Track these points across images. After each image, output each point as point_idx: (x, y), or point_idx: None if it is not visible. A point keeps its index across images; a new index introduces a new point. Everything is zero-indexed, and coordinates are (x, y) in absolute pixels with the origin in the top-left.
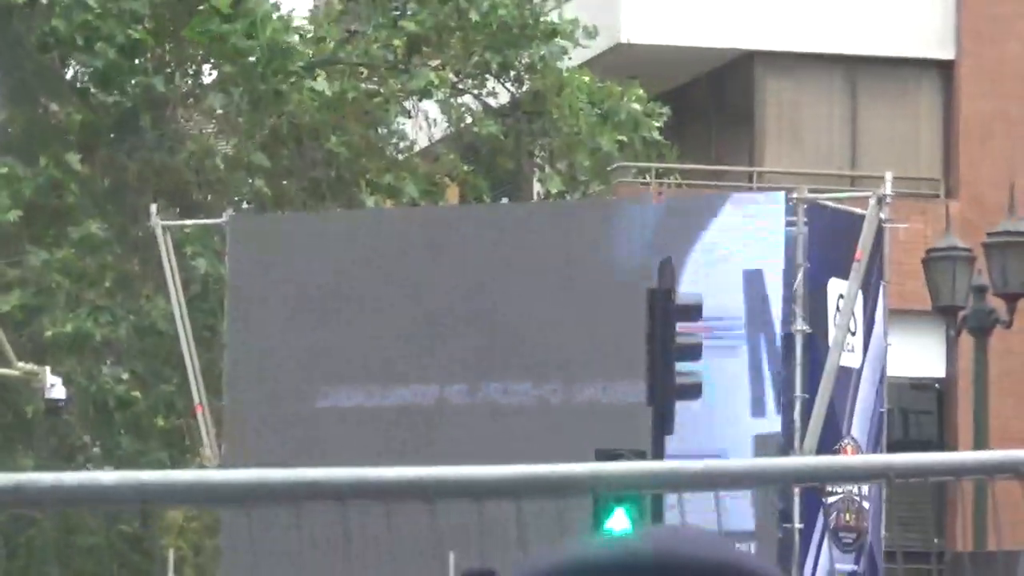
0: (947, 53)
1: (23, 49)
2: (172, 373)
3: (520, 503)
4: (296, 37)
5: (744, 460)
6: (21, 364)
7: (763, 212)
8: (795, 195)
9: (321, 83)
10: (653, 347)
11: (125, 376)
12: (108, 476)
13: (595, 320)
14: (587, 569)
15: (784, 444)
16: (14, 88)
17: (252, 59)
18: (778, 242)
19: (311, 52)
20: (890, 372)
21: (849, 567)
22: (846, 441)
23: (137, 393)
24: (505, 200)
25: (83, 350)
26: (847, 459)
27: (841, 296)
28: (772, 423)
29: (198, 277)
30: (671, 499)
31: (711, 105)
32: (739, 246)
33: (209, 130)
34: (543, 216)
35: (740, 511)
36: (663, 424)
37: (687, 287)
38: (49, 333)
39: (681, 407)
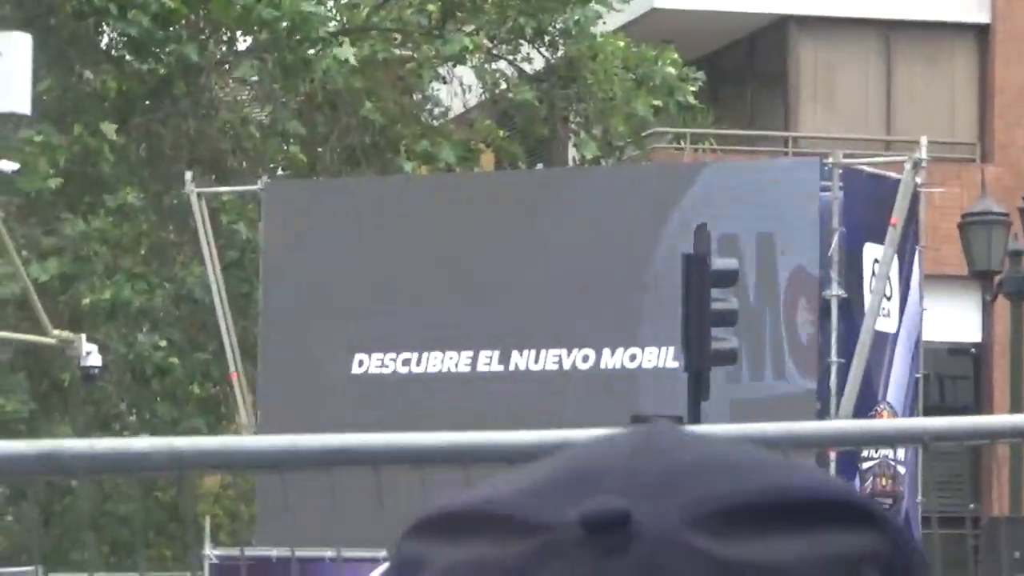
0: (983, 17)
1: (58, 17)
2: (208, 340)
3: None
4: (323, 5)
5: (780, 424)
6: (56, 332)
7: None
8: (830, 159)
9: (346, 50)
10: (688, 313)
11: (163, 344)
12: (141, 442)
13: (623, 286)
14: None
15: (820, 409)
16: (50, 56)
17: (280, 27)
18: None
19: (344, 17)
20: (926, 337)
21: None
22: (882, 406)
23: (175, 360)
24: (540, 165)
25: (119, 317)
26: (883, 423)
27: (876, 261)
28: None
29: (237, 244)
30: None
31: (746, 70)
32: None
33: (243, 97)
34: (577, 182)
35: None
36: (699, 389)
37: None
38: (87, 301)
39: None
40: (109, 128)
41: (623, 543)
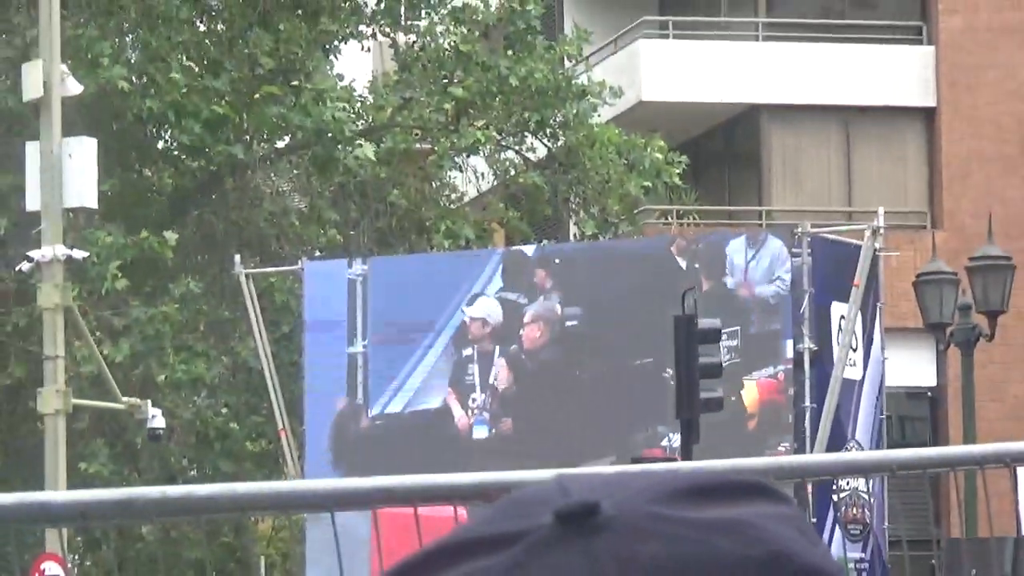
0: (929, 101)
1: (121, 122)
2: (261, 404)
3: None
4: (354, 105)
5: (764, 458)
6: (125, 399)
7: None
8: (799, 229)
9: (366, 149)
10: (679, 367)
11: (224, 410)
12: (205, 488)
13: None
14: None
15: (797, 448)
16: (113, 157)
17: (308, 130)
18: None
19: (371, 117)
20: (887, 383)
21: (858, 555)
22: (851, 444)
23: (234, 425)
24: (545, 242)
25: (186, 389)
26: (854, 455)
27: (843, 317)
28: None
29: (289, 320)
30: None
31: (723, 153)
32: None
33: (284, 189)
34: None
35: None
36: (690, 433)
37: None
38: (162, 378)
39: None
40: (171, 236)
41: (602, 524)
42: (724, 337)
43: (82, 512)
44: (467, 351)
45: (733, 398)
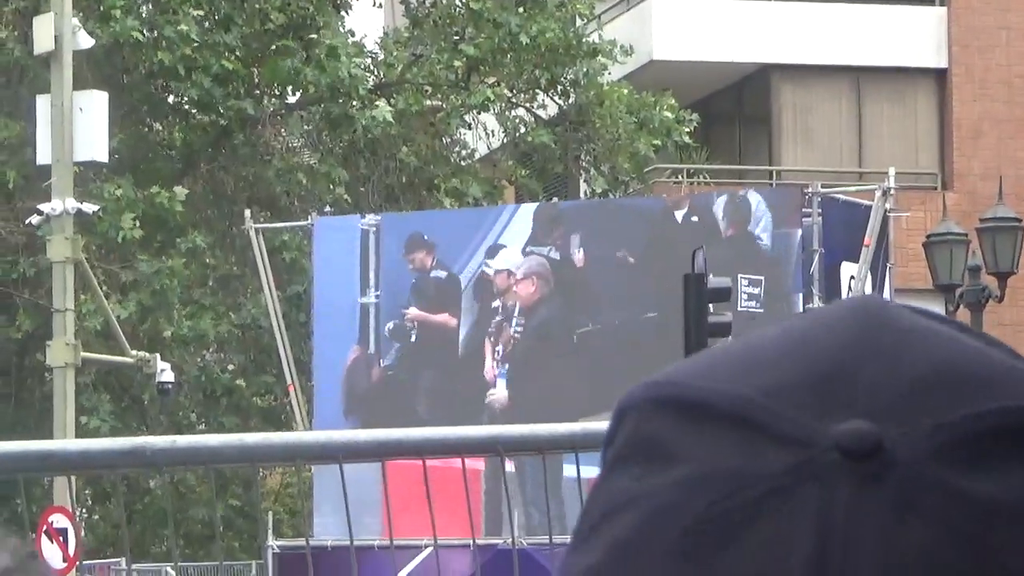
0: (941, 62)
1: (131, 77)
2: (269, 363)
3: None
4: (366, 61)
5: None
6: (134, 352)
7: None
8: (810, 189)
9: (383, 109)
10: (689, 326)
11: (231, 368)
12: (215, 438)
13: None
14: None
15: None
16: (124, 112)
17: (324, 85)
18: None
19: (381, 73)
20: None
21: None
22: None
23: (241, 382)
24: (556, 199)
25: (193, 345)
26: None
27: (852, 277)
28: None
29: (300, 279)
30: None
31: (734, 112)
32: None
33: (294, 145)
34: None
35: None
36: None
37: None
38: (168, 333)
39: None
40: (181, 192)
41: (879, 472)
42: (746, 283)
43: (91, 460)
44: (495, 303)
45: None
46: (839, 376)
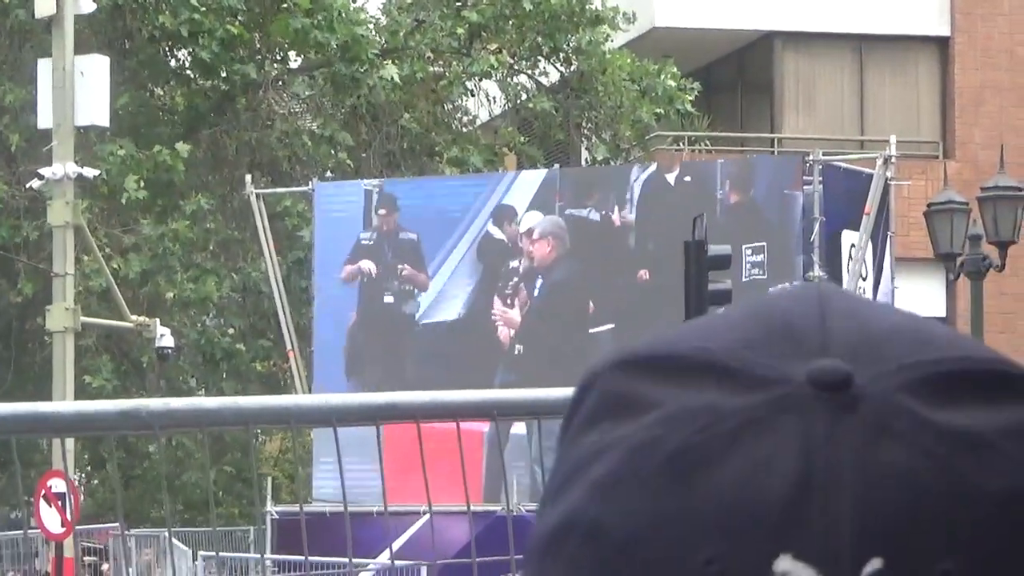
0: (943, 30)
1: (133, 41)
2: (268, 328)
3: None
4: (370, 27)
5: None
6: (134, 317)
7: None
8: (811, 157)
9: (391, 70)
10: (689, 293)
11: (231, 331)
12: (211, 401)
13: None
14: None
15: None
16: (125, 76)
17: (332, 47)
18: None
19: (384, 40)
20: None
21: None
22: None
23: (241, 346)
24: (557, 167)
25: (194, 308)
26: None
27: (853, 246)
28: None
29: (302, 245)
30: None
31: (736, 80)
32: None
33: (296, 110)
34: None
35: None
36: None
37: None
38: (170, 295)
39: None
40: (183, 148)
41: (851, 403)
42: (749, 252)
43: (86, 422)
44: (513, 263)
45: None
46: (802, 328)
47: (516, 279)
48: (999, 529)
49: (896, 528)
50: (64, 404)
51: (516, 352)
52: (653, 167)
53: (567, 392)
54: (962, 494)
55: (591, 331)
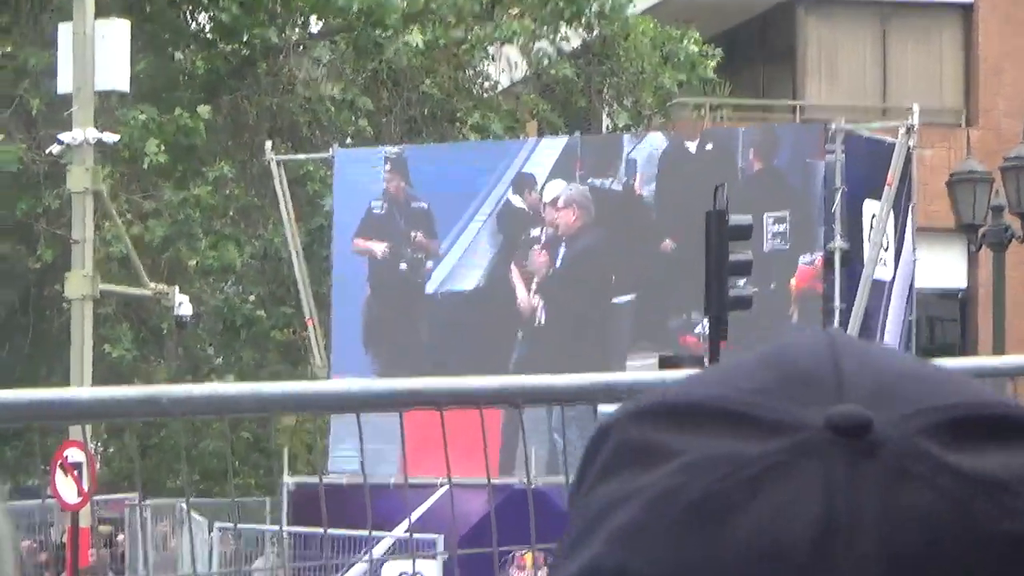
0: None
1: (153, 5)
2: (289, 296)
3: (596, 407)
4: None
5: None
6: (153, 285)
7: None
8: (833, 126)
9: (415, 36)
10: (710, 263)
11: (252, 299)
12: (232, 387)
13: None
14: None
15: None
16: (145, 40)
17: (354, 11)
18: None
19: (406, 4)
20: (917, 284)
21: None
22: None
23: (262, 312)
24: (578, 133)
25: (216, 275)
26: None
27: (874, 216)
28: None
29: (323, 213)
30: None
31: (758, 47)
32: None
33: (317, 75)
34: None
35: None
36: (718, 331)
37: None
38: (193, 262)
39: None
40: (204, 110)
41: (871, 447)
42: (771, 221)
43: (106, 409)
44: (534, 231)
45: (773, 285)
46: (818, 375)
47: (537, 247)
48: (1015, 571)
49: (918, 570)
50: (83, 390)
51: (537, 322)
52: (650, 136)
53: (594, 378)
54: (980, 536)
55: (614, 301)
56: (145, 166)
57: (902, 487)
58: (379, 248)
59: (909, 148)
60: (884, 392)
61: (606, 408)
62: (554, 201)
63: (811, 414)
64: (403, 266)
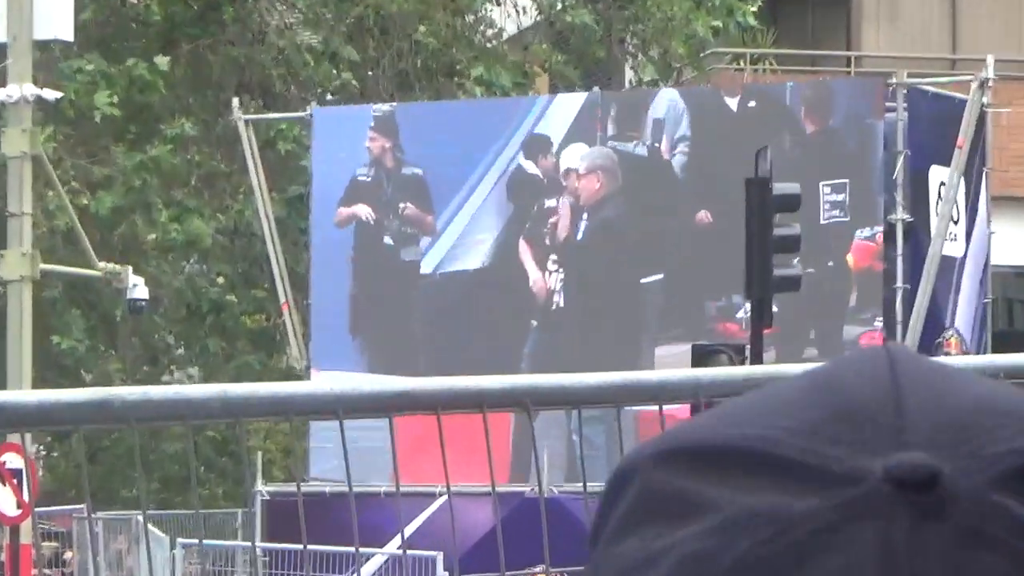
0: None
1: None
2: (260, 276)
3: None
4: None
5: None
6: (103, 264)
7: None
8: (894, 80)
9: None
10: (751, 239)
11: (220, 280)
12: (195, 390)
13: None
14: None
15: (886, 338)
16: None
17: None
18: None
19: None
20: (993, 261)
21: None
22: (949, 333)
23: (231, 296)
24: (597, 89)
25: (174, 251)
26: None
27: (943, 184)
28: None
29: (301, 179)
30: None
31: None
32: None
33: (292, 22)
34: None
35: None
36: (762, 316)
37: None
38: (152, 237)
39: None
40: (162, 61)
41: (938, 504)
42: (828, 191)
43: (50, 415)
44: (549, 202)
45: (831, 263)
46: (876, 411)
47: (553, 219)
48: None
49: None
50: (24, 393)
51: (554, 306)
52: (668, 93)
53: (613, 378)
54: None
55: (642, 281)
56: (97, 120)
57: (973, 554)
58: (364, 211)
59: (983, 105)
60: (953, 430)
61: (629, 408)
62: (574, 168)
63: (867, 462)
64: (388, 239)
